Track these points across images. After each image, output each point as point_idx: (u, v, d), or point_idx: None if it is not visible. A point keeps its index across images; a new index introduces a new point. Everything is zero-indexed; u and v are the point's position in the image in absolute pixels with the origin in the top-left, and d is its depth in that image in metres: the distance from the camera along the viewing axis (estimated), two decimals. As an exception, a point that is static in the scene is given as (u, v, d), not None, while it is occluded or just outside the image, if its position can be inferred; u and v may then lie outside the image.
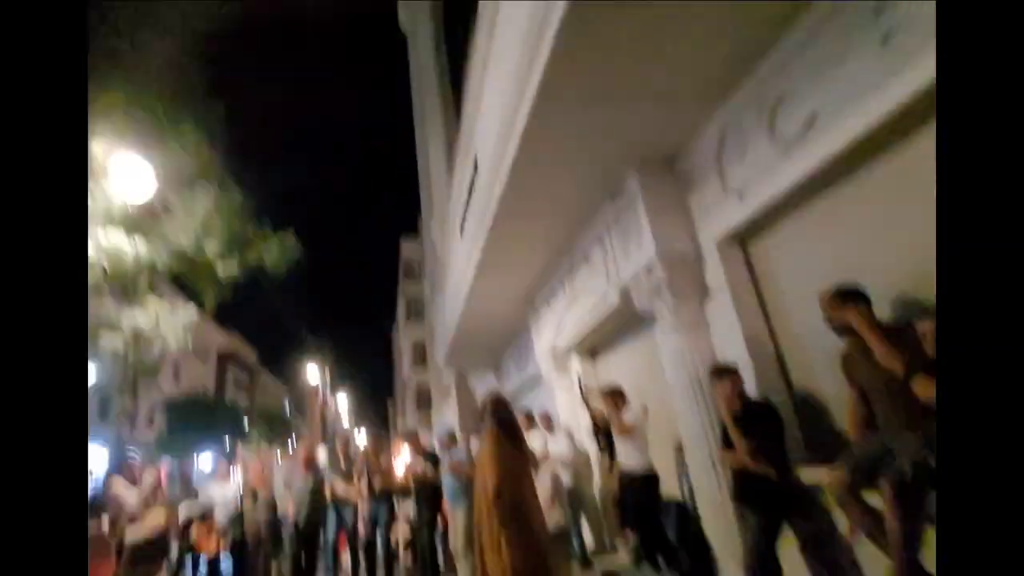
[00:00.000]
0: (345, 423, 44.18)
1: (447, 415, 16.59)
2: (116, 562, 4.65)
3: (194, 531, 6.22)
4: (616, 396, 4.87)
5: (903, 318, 2.55)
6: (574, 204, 4.87)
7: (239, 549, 6.61)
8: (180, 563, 6.06)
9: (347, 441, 7.39)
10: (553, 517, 5.01)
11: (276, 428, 31.09)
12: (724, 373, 3.27)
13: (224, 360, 36.77)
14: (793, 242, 3.43)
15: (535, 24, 3.15)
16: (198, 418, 22.35)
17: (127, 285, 10.03)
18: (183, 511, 6.31)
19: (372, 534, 6.07)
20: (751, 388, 3.42)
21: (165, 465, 9.59)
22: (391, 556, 6.20)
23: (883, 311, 2.67)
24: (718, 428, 3.42)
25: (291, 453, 10.53)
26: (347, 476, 6.26)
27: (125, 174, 6.47)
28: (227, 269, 9.71)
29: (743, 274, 3.76)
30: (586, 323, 5.94)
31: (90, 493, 6.24)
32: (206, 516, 6.45)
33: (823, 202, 3.16)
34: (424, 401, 26.32)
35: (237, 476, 7.83)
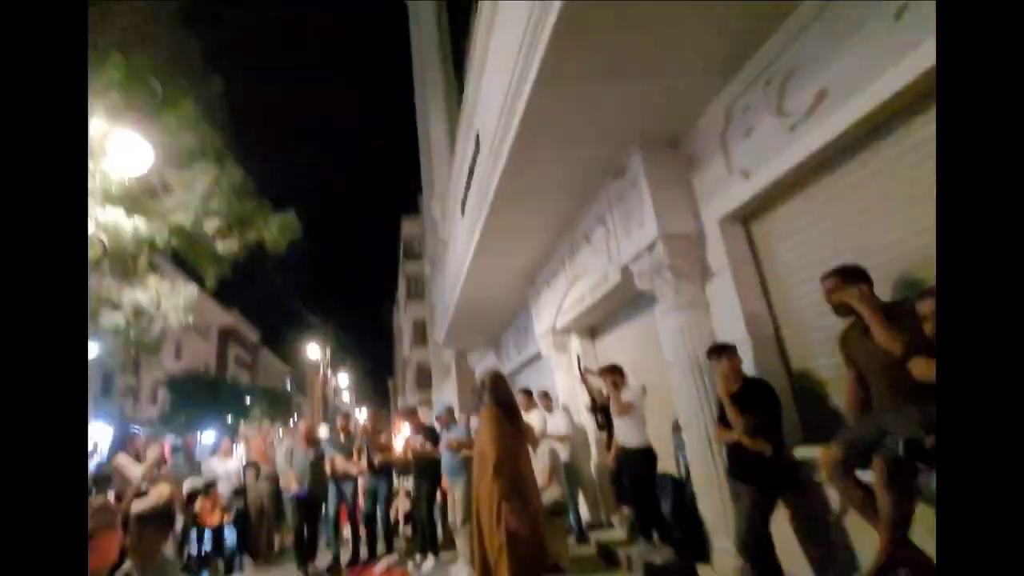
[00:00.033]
0: (346, 401, 44.63)
1: (447, 393, 16.74)
2: (123, 533, 4.74)
3: (198, 504, 6.35)
4: (615, 375, 4.91)
5: (904, 298, 2.55)
6: (576, 183, 4.84)
7: (242, 521, 6.77)
8: (185, 535, 6.20)
9: (347, 418, 7.47)
10: (551, 493, 5.09)
11: (278, 406, 31.42)
12: (722, 352, 3.29)
13: (225, 338, 37.00)
14: (796, 222, 3.41)
15: (538, -1, 3.09)
16: (200, 395, 22.57)
17: (127, 263, 10.03)
18: (187, 485, 6.43)
19: (372, 508, 6.19)
20: (749, 367, 3.44)
21: (168, 441, 9.76)
22: (390, 529, 6.33)
23: (885, 292, 2.68)
24: (715, 406, 3.46)
25: (292, 428, 10.66)
26: (347, 452, 6.35)
27: (123, 151, 6.41)
28: (227, 247, 9.69)
29: (745, 254, 3.76)
30: (586, 303, 5.95)
31: (95, 468, 6.33)
32: (210, 489, 6.57)
33: (828, 182, 3.13)
34: (424, 380, 26.50)
35: (240, 451, 7.97)
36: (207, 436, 13.34)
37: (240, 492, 7.04)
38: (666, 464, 4.82)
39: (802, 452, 3.11)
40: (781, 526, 3.13)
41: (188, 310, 10.97)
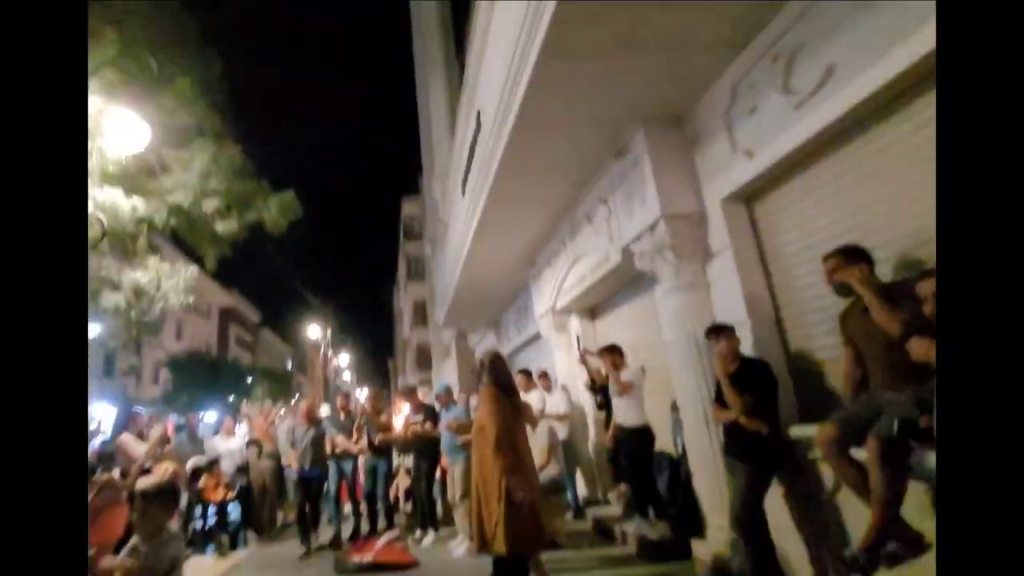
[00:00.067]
0: (347, 380, 44.95)
1: (447, 373, 16.85)
2: (129, 509, 4.83)
3: (202, 481, 6.45)
4: (614, 355, 4.95)
5: (904, 279, 2.55)
6: (578, 163, 4.80)
7: (245, 497, 6.88)
8: (190, 511, 6.31)
9: (347, 397, 7.55)
10: (549, 471, 5.17)
11: (279, 385, 31.64)
12: (720, 332, 3.31)
13: (226, 318, 37.11)
14: (799, 202, 3.39)
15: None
16: (201, 375, 22.72)
17: (126, 243, 10.01)
18: (191, 463, 6.53)
19: (372, 486, 6.29)
20: (748, 348, 3.46)
21: (172, 420, 9.86)
22: (390, 507, 6.45)
23: (886, 273, 2.68)
24: (713, 386, 3.49)
25: (293, 407, 10.77)
26: (347, 431, 6.43)
27: (119, 129, 6.35)
28: (226, 227, 9.65)
29: (747, 234, 3.74)
30: (587, 283, 5.96)
31: (100, 447, 6.42)
32: (213, 467, 6.68)
33: (832, 161, 3.11)
34: (425, 360, 26.65)
35: (242, 430, 8.07)
36: (209, 416, 13.47)
37: (243, 469, 7.16)
38: (663, 443, 4.89)
39: (798, 431, 3.15)
40: (775, 503, 3.18)
41: (188, 291, 10.98)
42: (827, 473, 2.96)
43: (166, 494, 2.37)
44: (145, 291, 10.41)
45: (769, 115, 3.24)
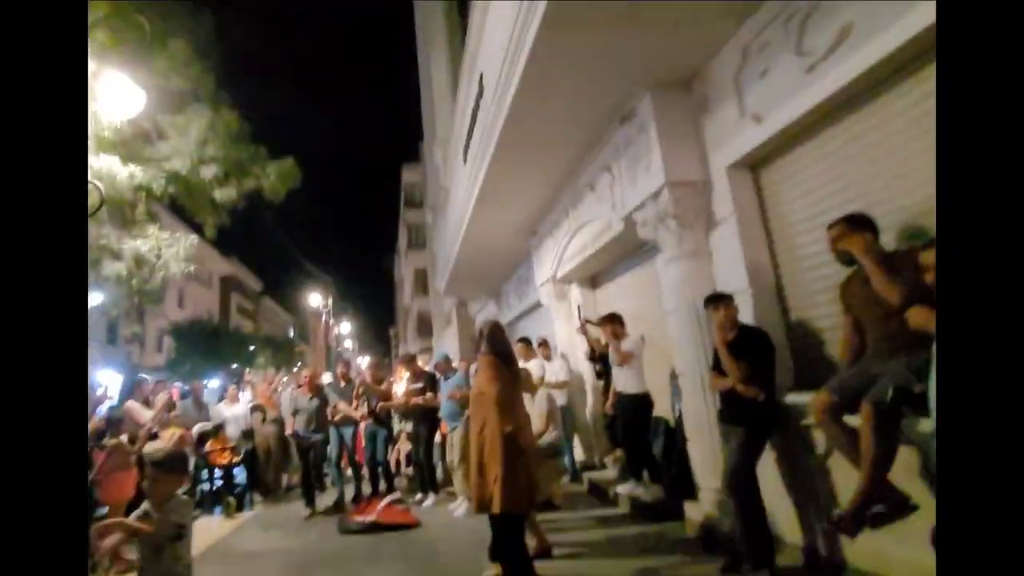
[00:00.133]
0: (349, 348, 45.36)
1: (448, 341, 17.00)
2: (137, 473, 4.96)
3: (208, 445, 6.61)
4: (615, 324, 4.98)
5: (909, 247, 2.54)
6: (583, 129, 4.71)
7: (251, 461, 7.06)
8: (197, 474, 6.48)
9: (347, 365, 7.66)
10: (548, 437, 5.27)
11: (281, 354, 31.95)
12: (719, 301, 3.32)
13: (227, 287, 37.21)
14: (805, 170, 3.34)
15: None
16: (204, 343, 22.92)
17: (124, 211, 9.96)
18: (197, 428, 6.67)
19: (373, 451, 6.45)
20: (749, 316, 3.48)
21: (177, 387, 10.02)
22: (390, 472, 6.63)
23: (891, 243, 2.67)
24: (711, 354, 3.53)
25: (295, 374, 10.93)
26: (347, 398, 6.55)
27: (113, 93, 6.23)
28: (225, 194, 9.59)
29: (751, 202, 3.71)
30: (588, 252, 5.95)
31: (107, 412, 6.54)
32: (219, 432, 6.82)
33: (841, 128, 3.05)
34: (425, 328, 26.83)
35: (246, 396, 8.22)
36: (212, 383, 13.66)
37: (248, 434, 7.32)
38: (661, 410, 4.97)
39: (794, 398, 3.20)
40: (766, 468, 3.25)
41: (189, 259, 10.99)
42: (819, 439, 3.02)
43: (176, 462, 2.42)
44: (146, 259, 10.42)
45: (780, 78, 3.16)
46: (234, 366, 22.64)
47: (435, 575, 3.79)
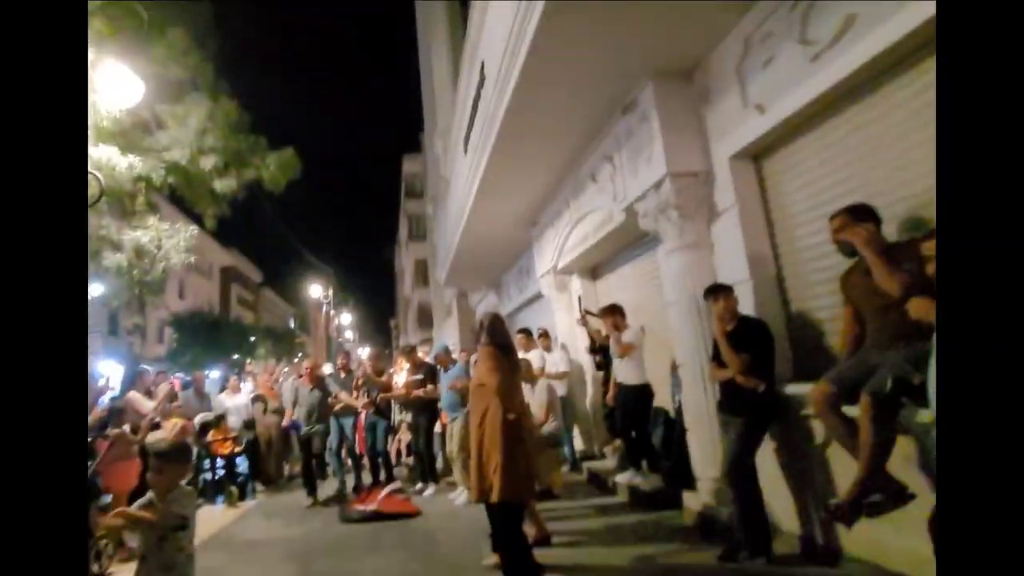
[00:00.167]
0: (349, 339, 45.49)
1: (448, 332, 17.03)
2: (141, 462, 5.00)
3: (210, 435, 6.65)
4: (616, 315, 4.99)
5: (910, 238, 2.53)
6: (584, 118, 4.69)
7: (252, 451, 7.11)
8: (199, 464, 6.52)
9: (347, 356, 7.69)
10: (548, 427, 5.30)
11: (282, 345, 32.03)
12: (719, 292, 3.32)
13: (228, 278, 37.23)
14: (807, 160, 3.33)
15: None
16: (205, 334, 22.95)
17: (124, 202, 9.95)
18: (199, 418, 6.71)
19: (373, 441, 6.50)
20: (749, 307, 3.48)
21: (178, 378, 10.05)
22: (390, 462, 6.69)
23: (893, 234, 2.65)
24: (711, 345, 3.54)
25: (296, 364, 10.98)
26: (347, 389, 6.59)
27: (111, 83, 6.19)
28: (225, 185, 9.56)
29: (753, 192, 3.69)
30: (589, 243, 5.95)
31: (109, 403, 6.57)
32: (220, 422, 6.86)
33: (844, 118, 3.03)
34: (426, 319, 26.87)
35: (247, 387, 8.26)
36: (213, 374, 13.70)
37: (249, 424, 7.36)
38: (661, 401, 4.99)
39: (793, 389, 3.21)
40: (765, 457, 3.27)
41: (189, 250, 11.00)
42: (818, 429, 3.04)
43: (180, 453, 2.44)
44: (146, 250, 10.43)
45: (784, 67, 3.13)
46: (235, 357, 22.72)
47: (435, 563, 3.82)
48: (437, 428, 6.41)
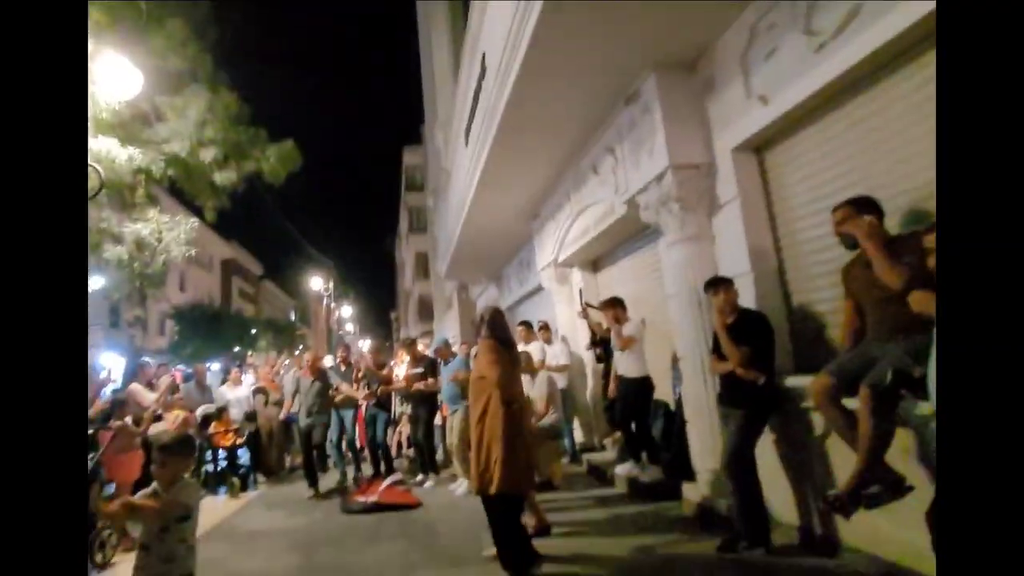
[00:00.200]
0: (350, 331, 45.55)
1: (449, 325, 17.05)
2: (143, 454, 5.03)
3: (212, 427, 6.68)
4: (616, 308, 4.99)
5: (912, 231, 2.52)
6: (586, 111, 4.66)
7: (254, 442, 7.14)
8: (201, 455, 6.56)
9: (347, 349, 7.72)
10: (549, 418, 5.32)
11: (283, 337, 32.07)
12: (719, 285, 3.32)
13: (228, 271, 37.24)
14: (810, 152, 3.31)
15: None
16: (206, 326, 22.99)
17: (124, 194, 9.92)
18: (200, 411, 6.74)
19: (373, 433, 6.54)
20: (751, 300, 3.48)
21: (180, 370, 10.08)
22: (389, 454, 6.75)
23: (894, 227, 2.65)
24: (711, 337, 3.54)
25: (297, 357, 10.99)
26: (348, 382, 6.62)
27: (110, 74, 6.16)
28: (225, 177, 9.54)
29: (755, 184, 3.68)
30: (590, 235, 5.94)
31: (111, 395, 6.60)
32: (222, 414, 6.89)
33: (847, 110, 3.01)
34: (426, 312, 26.91)
35: (249, 379, 8.29)
36: (214, 367, 13.74)
37: (251, 416, 7.39)
38: (661, 394, 5.01)
39: (793, 381, 3.21)
40: (764, 449, 3.28)
41: (189, 242, 10.98)
42: (817, 421, 3.05)
43: (183, 445, 2.45)
44: (147, 243, 10.41)
45: (787, 58, 3.11)
46: (236, 349, 22.75)
47: (436, 554, 3.85)
48: (438, 420, 6.45)
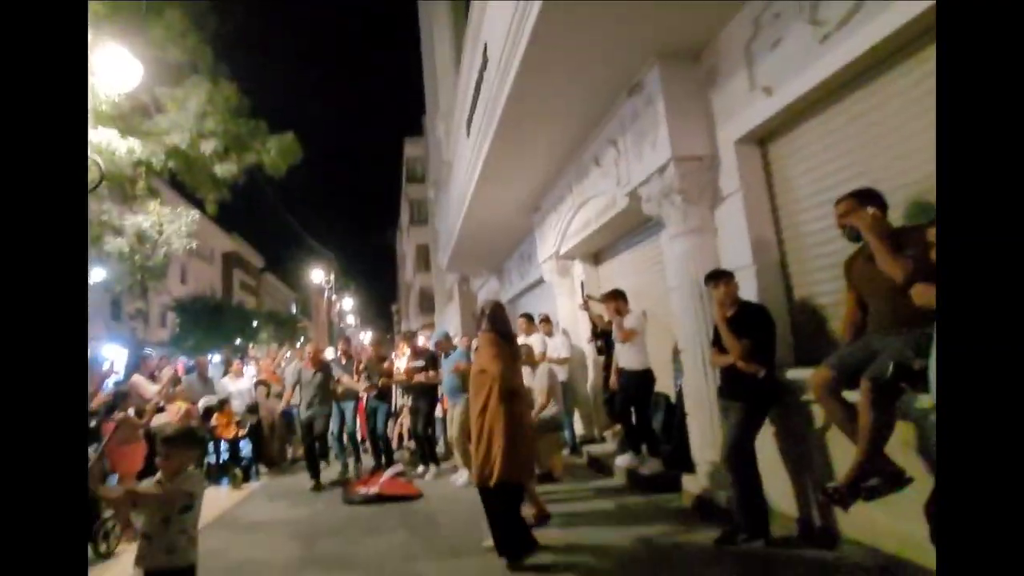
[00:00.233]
0: (351, 324, 45.63)
1: (449, 317, 17.07)
2: (146, 444, 5.06)
3: (214, 419, 6.70)
4: (618, 301, 4.98)
5: (917, 224, 2.51)
6: (589, 102, 4.64)
7: (256, 434, 7.18)
8: (203, 448, 6.59)
9: (348, 342, 7.73)
10: (549, 411, 5.34)
11: (284, 329, 32.14)
12: (719, 277, 3.32)
13: (229, 263, 37.26)
14: (813, 144, 3.29)
15: None
16: (207, 318, 23.03)
17: (125, 187, 9.91)
18: (202, 403, 6.76)
19: (374, 425, 6.57)
20: (752, 292, 3.47)
21: (182, 362, 10.11)
22: (390, 446, 6.79)
23: (898, 220, 2.63)
24: (712, 330, 3.54)
25: (299, 349, 11.02)
26: (348, 374, 6.65)
27: (110, 65, 6.13)
28: (226, 169, 9.51)
29: (758, 177, 3.66)
30: (591, 228, 5.92)
31: (114, 387, 6.63)
32: (224, 406, 6.91)
33: (851, 102, 2.99)
34: (427, 304, 26.93)
35: (250, 371, 8.31)
36: (215, 359, 13.78)
37: (252, 408, 7.41)
38: (662, 386, 5.01)
39: (794, 374, 3.21)
40: (764, 442, 3.29)
41: (190, 235, 10.99)
42: (818, 414, 3.05)
43: (187, 439, 2.46)
44: (148, 235, 10.43)
45: (792, 48, 3.08)
46: (237, 342, 22.81)
47: (436, 544, 3.87)
48: (438, 413, 6.48)
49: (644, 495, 4.44)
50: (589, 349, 6.38)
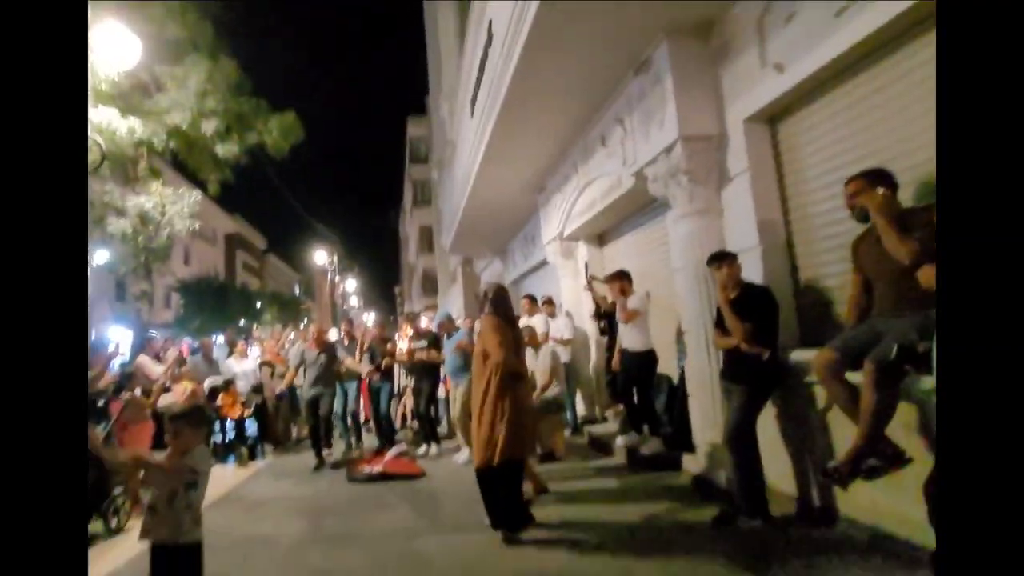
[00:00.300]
0: (354, 305, 45.77)
1: (452, 299, 17.08)
2: (153, 425, 5.11)
3: (220, 399, 6.77)
4: (623, 281, 4.97)
5: (927, 204, 2.47)
6: (595, 80, 4.55)
7: (261, 414, 7.25)
8: (210, 426, 6.66)
9: (351, 323, 7.77)
10: (552, 391, 5.36)
11: (288, 310, 32.27)
12: (722, 259, 3.28)
13: (232, 244, 37.27)
14: (823, 124, 3.23)
15: None
16: (211, 300, 23.12)
17: (127, 167, 9.87)
18: (208, 383, 6.82)
19: (377, 406, 6.63)
20: (758, 274, 3.45)
21: (187, 343, 10.17)
22: (392, 426, 6.86)
23: (909, 200, 2.59)
24: (715, 312, 3.52)
25: (302, 330, 11.07)
26: (351, 355, 6.69)
27: (108, 43, 6.05)
28: (227, 150, 9.45)
29: (766, 156, 3.61)
30: (597, 208, 5.87)
31: (119, 369, 6.68)
32: (229, 386, 6.97)
33: (863, 79, 2.93)
34: (430, 286, 26.93)
35: (255, 352, 8.37)
36: (222, 340, 13.86)
37: (257, 389, 7.48)
38: (665, 368, 5.02)
39: (798, 355, 3.20)
40: (766, 422, 3.29)
41: (193, 216, 10.96)
42: (820, 395, 3.04)
43: (197, 416, 2.48)
44: (150, 217, 10.40)
45: (807, 23, 3.00)
46: (241, 323, 22.92)
47: (439, 521, 3.93)
48: (441, 393, 6.53)
49: (644, 474, 4.48)
50: (592, 329, 6.38)
